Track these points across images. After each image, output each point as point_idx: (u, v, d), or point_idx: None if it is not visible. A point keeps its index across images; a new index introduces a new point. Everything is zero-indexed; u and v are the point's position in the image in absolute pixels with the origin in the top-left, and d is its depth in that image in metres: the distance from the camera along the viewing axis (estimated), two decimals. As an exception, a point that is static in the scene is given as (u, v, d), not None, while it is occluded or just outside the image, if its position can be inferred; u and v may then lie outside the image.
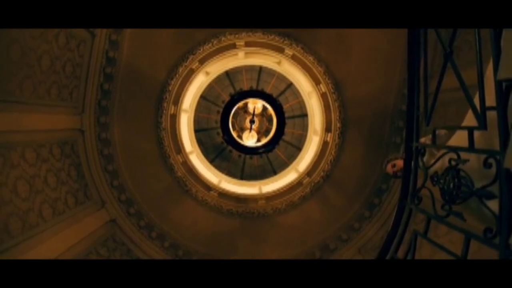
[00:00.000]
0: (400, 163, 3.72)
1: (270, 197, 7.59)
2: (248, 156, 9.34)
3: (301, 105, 8.57)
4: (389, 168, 3.80)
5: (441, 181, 2.46)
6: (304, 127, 8.66)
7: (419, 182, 2.86)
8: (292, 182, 7.65)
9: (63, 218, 5.69)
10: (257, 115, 6.36)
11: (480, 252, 1.98)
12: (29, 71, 5.03)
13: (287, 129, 9.00)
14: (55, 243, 5.32)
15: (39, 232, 5.10)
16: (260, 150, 6.24)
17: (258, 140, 6.34)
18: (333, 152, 7.20)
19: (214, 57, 7.22)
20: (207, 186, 7.62)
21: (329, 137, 7.30)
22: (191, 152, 7.96)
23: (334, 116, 7.11)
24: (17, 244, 4.72)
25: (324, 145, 7.39)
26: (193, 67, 7.21)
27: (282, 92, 8.68)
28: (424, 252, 4.93)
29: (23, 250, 4.75)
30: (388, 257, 2.74)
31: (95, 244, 6.31)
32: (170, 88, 7.18)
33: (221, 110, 7.58)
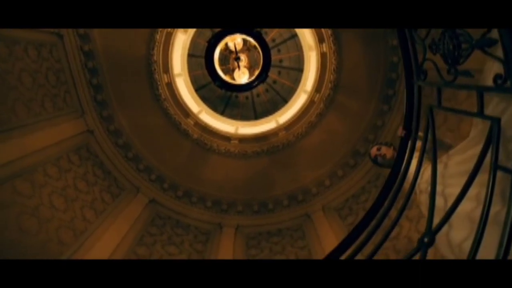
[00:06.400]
0: (385, 150, 3.60)
1: (288, 126, 7.60)
2: (255, 94, 9.27)
3: (287, 26, 8.29)
4: (374, 151, 3.69)
5: (440, 46, 2.38)
6: (298, 47, 8.42)
7: (420, 57, 2.79)
8: (304, 104, 7.59)
9: (107, 214, 5.96)
10: (241, 51, 6.17)
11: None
12: (15, 93, 5.01)
13: (282, 55, 8.79)
14: (109, 238, 5.62)
15: (90, 234, 5.40)
16: (255, 83, 6.10)
17: (253, 75, 6.21)
18: (333, 60, 7.02)
19: (185, 11, 6.95)
20: (226, 137, 7.68)
21: (324, 47, 7.08)
22: (199, 112, 7.95)
23: (322, 24, 6.85)
24: (76, 251, 5.05)
25: (322, 56, 7.19)
26: (169, 29, 6.99)
27: (264, 21, 8.37)
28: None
29: (83, 254, 5.07)
30: (410, 139, 2.72)
31: (145, 226, 6.62)
32: (155, 58, 7.03)
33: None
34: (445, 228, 2.12)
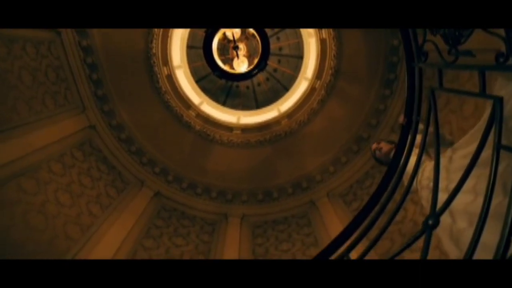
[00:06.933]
0: (384, 145, 3.59)
1: (290, 114, 7.58)
2: (256, 84, 9.23)
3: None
4: (374, 145, 3.71)
5: (441, 27, 2.35)
6: (297, 34, 8.36)
7: (420, 38, 2.75)
8: (306, 91, 7.56)
9: (113, 209, 6.01)
10: (240, 40, 6.11)
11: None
12: (16, 92, 5.01)
13: (282, 42, 8.73)
14: (116, 232, 5.67)
15: (97, 229, 5.45)
16: (254, 72, 6.04)
17: (252, 64, 6.14)
18: (333, 46, 6.95)
19: (182, 2, 6.88)
20: (228, 128, 7.68)
21: (324, 33, 7.02)
22: (200, 103, 7.94)
23: (320, 10, 6.76)
24: (84, 246, 5.09)
25: (322, 43, 7.13)
26: (167, 22, 6.94)
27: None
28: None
29: (90, 249, 5.12)
30: (413, 119, 2.70)
31: (152, 219, 6.67)
32: (153, 51, 7.00)
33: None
34: (446, 221, 2.12)
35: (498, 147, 1.64)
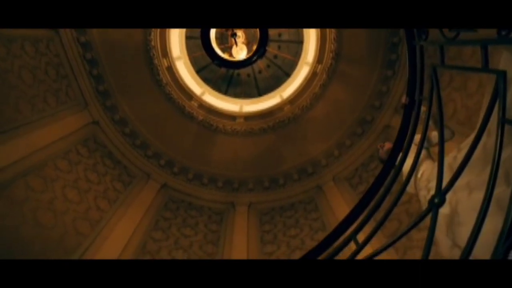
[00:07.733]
0: (387, 144, 3.63)
1: (293, 99, 7.54)
2: (257, 71, 9.20)
3: None
4: (379, 145, 3.79)
5: (440, 3, 2.31)
6: (296, 19, 8.28)
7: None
8: (307, 76, 7.51)
9: (120, 203, 6.05)
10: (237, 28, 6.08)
11: None
12: (17, 92, 5.02)
13: (281, 28, 8.66)
14: (125, 225, 5.72)
15: (106, 223, 5.50)
16: (254, 58, 6.01)
17: (251, 51, 6.09)
18: (333, 29, 6.88)
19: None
20: (231, 117, 7.66)
21: (323, 16, 6.94)
22: (202, 93, 7.92)
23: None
24: (94, 241, 5.15)
25: (321, 27, 7.07)
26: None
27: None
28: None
29: (100, 243, 5.16)
30: (415, 98, 2.67)
31: (160, 211, 6.72)
32: (152, 44, 6.96)
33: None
34: (442, 212, 2.12)
35: (502, 121, 1.62)
